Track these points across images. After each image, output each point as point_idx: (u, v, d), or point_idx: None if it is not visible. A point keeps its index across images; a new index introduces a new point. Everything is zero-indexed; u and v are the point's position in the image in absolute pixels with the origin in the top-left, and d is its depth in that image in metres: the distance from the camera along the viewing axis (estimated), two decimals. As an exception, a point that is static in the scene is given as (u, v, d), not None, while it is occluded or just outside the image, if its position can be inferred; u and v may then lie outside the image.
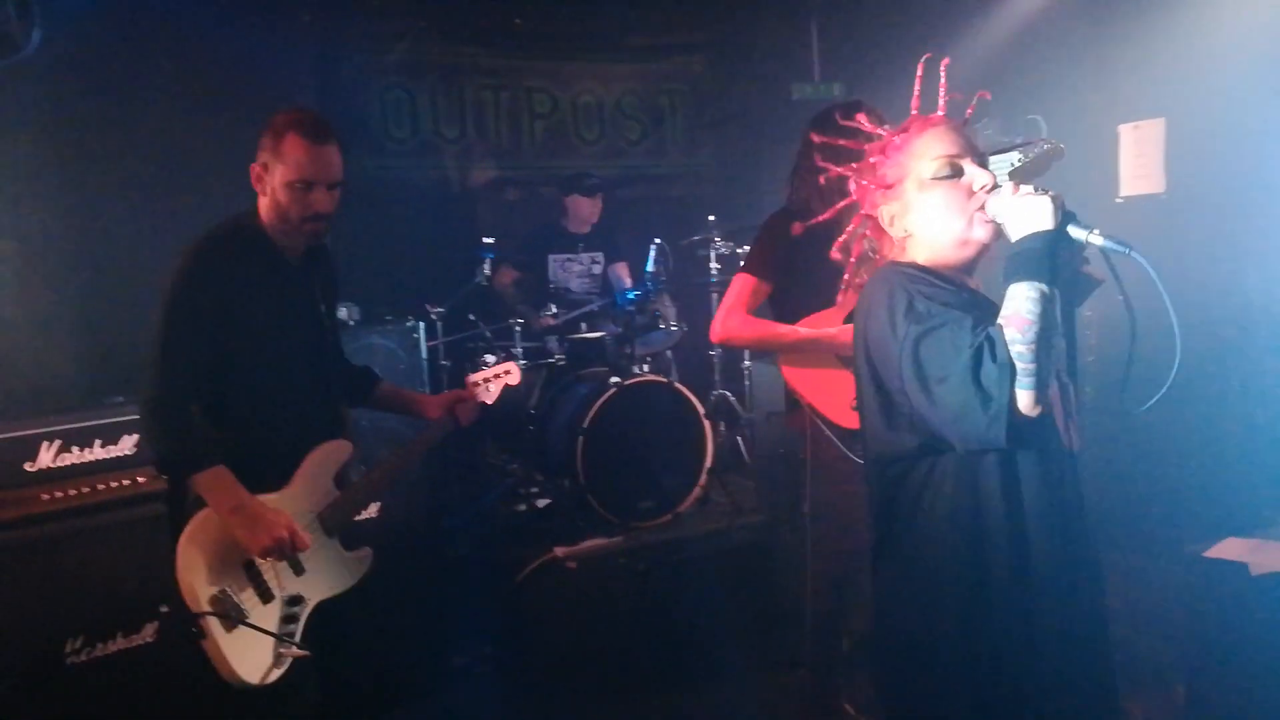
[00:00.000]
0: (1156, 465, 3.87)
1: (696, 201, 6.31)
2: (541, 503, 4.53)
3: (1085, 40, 4.61)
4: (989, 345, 1.42)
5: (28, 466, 2.78)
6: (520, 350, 4.62)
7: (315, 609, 2.32)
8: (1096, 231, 1.47)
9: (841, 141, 1.78)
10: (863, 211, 1.72)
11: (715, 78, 6.58)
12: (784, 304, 2.80)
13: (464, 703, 3.34)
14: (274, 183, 2.23)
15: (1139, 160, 4.58)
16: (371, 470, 2.49)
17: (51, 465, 2.81)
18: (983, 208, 1.56)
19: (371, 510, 3.31)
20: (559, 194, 5.26)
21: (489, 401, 2.73)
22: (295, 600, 2.28)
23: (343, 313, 3.94)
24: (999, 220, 1.54)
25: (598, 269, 5.25)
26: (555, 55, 6.13)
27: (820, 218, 1.80)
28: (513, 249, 5.09)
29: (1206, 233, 4.09)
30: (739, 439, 4.93)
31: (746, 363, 4.83)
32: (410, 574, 3.45)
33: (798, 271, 2.67)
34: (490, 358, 2.80)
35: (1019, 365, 1.40)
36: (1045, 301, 1.41)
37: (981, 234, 1.59)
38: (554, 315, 4.74)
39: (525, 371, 4.64)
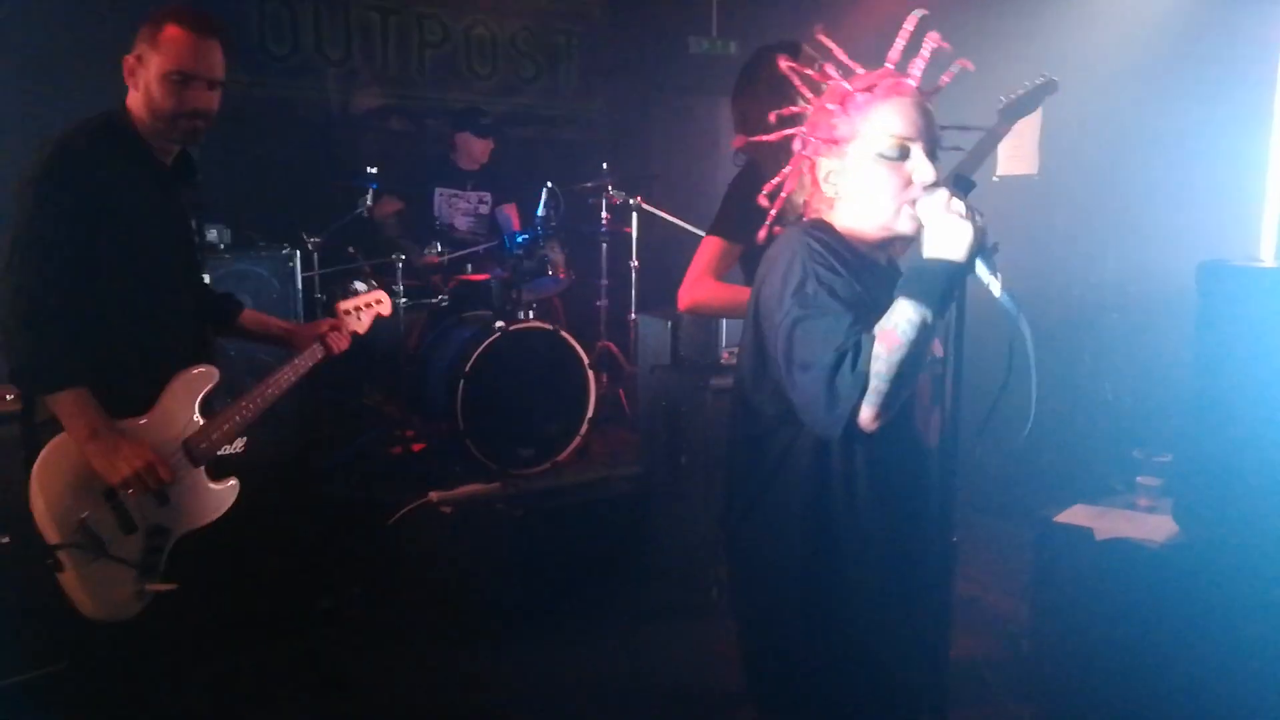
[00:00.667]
0: (1014, 432, 4.08)
1: (589, 148, 6.20)
2: (418, 446, 4.43)
3: (969, 24, 4.72)
4: (853, 351, 1.43)
5: None
6: (401, 288, 4.46)
7: (178, 541, 2.20)
8: (998, 281, 1.45)
9: (810, 71, 1.66)
10: (802, 153, 1.65)
11: (613, 23, 6.46)
12: (754, 265, 2.68)
13: (329, 645, 3.25)
14: (148, 75, 2.07)
15: (1015, 142, 4.76)
16: (240, 398, 2.34)
17: (-126, 384, 2.55)
18: (914, 203, 1.54)
19: (238, 445, 3.14)
20: (449, 129, 5.08)
21: (360, 331, 2.62)
22: (158, 531, 2.15)
23: (213, 235, 3.72)
24: (923, 222, 1.52)
25: (485, 209, 5.12)
26: (449, -18, 5.89)
27: (763, 138, 1.71)
28: (397, 180, 4.88)
29: (1072, 215, 4.32)
30: (621, 391, 4.93)
31: (633, 315, 4.82)
32: (278, 512, 3.32)
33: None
34: (360, 285, 2.68)
35: (873, 382, 1.41)
36: (923, 329, 1.42)
37: (905, 227, 1.57)
38: (439, 254, 4.60)
39: (406, 311, 4.53)
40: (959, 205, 1.48)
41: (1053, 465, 3.98)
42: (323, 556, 3.55)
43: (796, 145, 1.66)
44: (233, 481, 2.34)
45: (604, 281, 5.02)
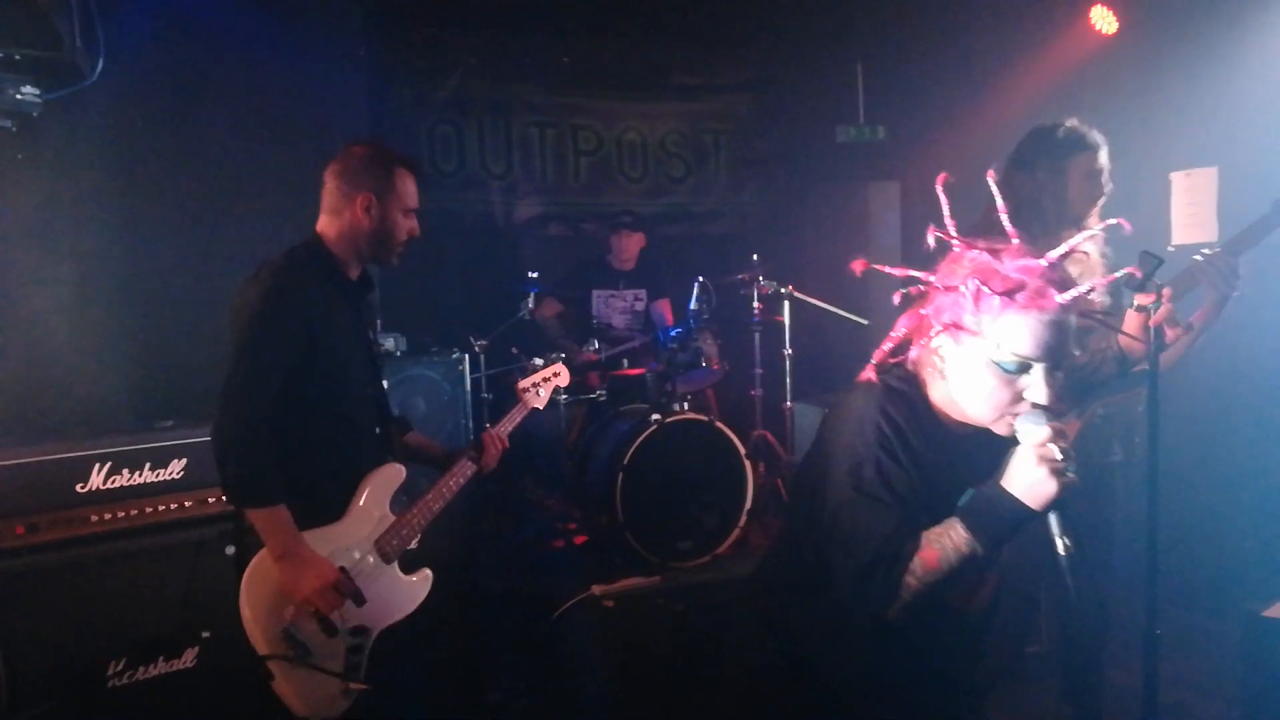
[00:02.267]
0: (1213, 523, 3.78)
1: (739, 240, 6.32)
2: (579, 539, 4.51)
3: (1135, 87, 4.58)
4: (891, 560, 1.46)
5: (79, 487, 2.80)
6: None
7: (377, 639, 2.32)
8: (1065, 544, 1.39)
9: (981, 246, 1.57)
10: (926, 314, 1.59)
11: (759, 118, 6.62)
12: None
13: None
14: (386, 211, 2.33)
15: (1191, 209, 4.52)
16: (426, 494, 2.48)
17: (102, 487, 2.84)
18: (1016, 417, 1.49)
19: (412, 542, 3.30)
20: (604, 232, 5.31)
21: (540, 405, 2.76)
22: (359, 631, 2.27)
23: (390, 343, 3.98)
24: (1019, 437, 1.47)
25: (640, 305, 5.26)
26: (601, 93, 6.21)
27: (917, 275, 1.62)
28: (557, 283, 5.12)
29: (1258, 282, 4.01)
30: (779, 481, 4.88)
31: (788, 403, 4.79)
32: (447, 607, 3.43)
33: None
34: (539, 360, 2.81)
35: (901, 592, 1.45)
36: (968, 561, 1.43)
37: (1000, 429, 1.53)
38: (596, 350, 4.75)
39: (566, 407, 4.68)
40: (1055, 453, 1.41)
41: (1255, 555, 3.63)
42: (490, 650, 3.63)
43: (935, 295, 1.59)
44: (425, 572, 2.45)
45: (759, 371, 5.02)
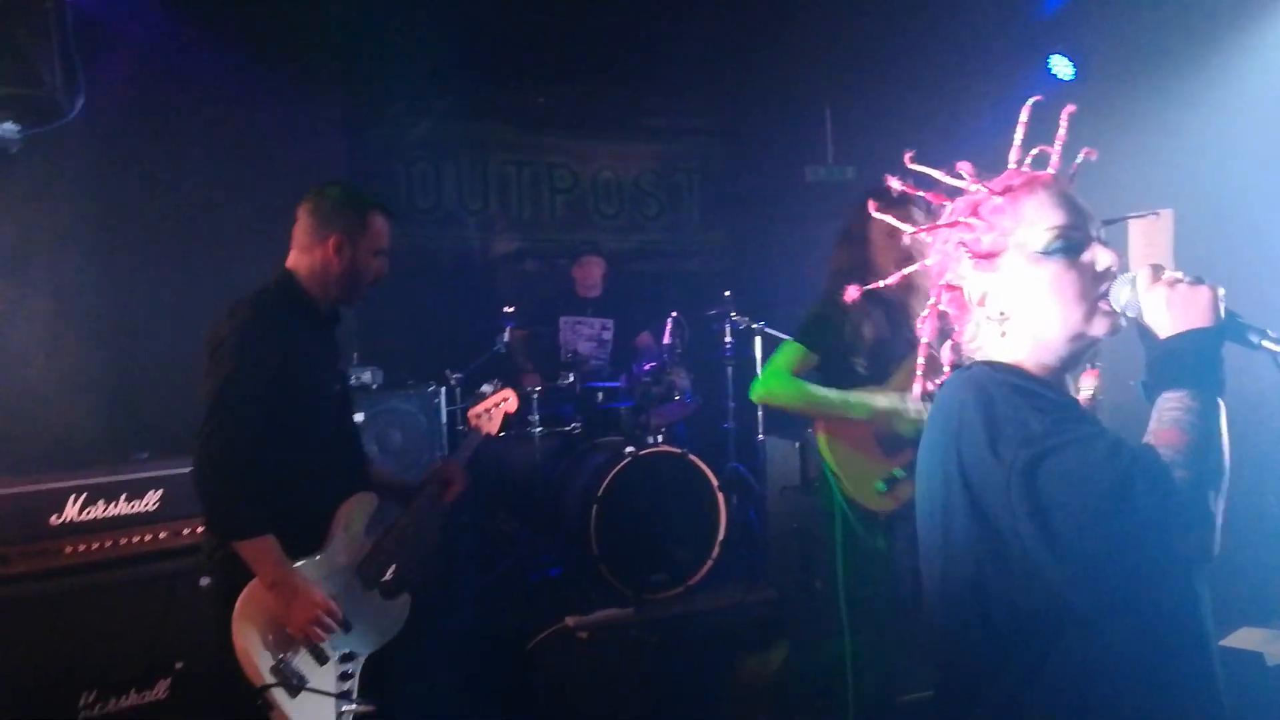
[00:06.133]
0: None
1: (711, 276, 6.42)
2: (554, 571, 4.53)
3: (1092, 131, 4.71)
4: (1141, 468, 1.10)
5: (53, 519, 2.81)
6: (537, 418, 4.66)
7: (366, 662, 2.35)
8: (1270, 336, 1.18)
9: (923, 193, 1.46)
10: (943, 282, 1.37)
11: (731, 158, 6.76)
12: (830, 376, 2.76)
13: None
14: (358, 251, 2.36)
15: (1147, 251, 4.66)
16: (400, 518, 2.51)
17: (76, 519, 2.85)
18: (1104, 298, 1.27)
19: (389, 569, 3.31)
20: (567, 264, 5.46)
21: (492, 432, 2.78)
22: (348, 658, 2.31)
23: (366, 376, 4.01)
24: (1128, 313, 1.25)
25: (607, 335, 5.33)
26: (577, 134, 6.33)
27: (884, 283, 1.48)
28: (530, 318, 5.20)
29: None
30: (752, 512, 4.93)
31: (761, 436, 4.86)
32: (421, 640, 3.44)
33: (845, 345, 2.70)
34: (487, 387, 2.83)
35: (1179, 500, 1.09)
36: (1205, 416, 1.13)
37: (1100, 329, 1.28)
38: (570, 382, 4.81)
39: (541, 439, 4.71)
40: (1176, 274, 1.21)
41: (1214, 584, 3.71)
42: (464, 682, 3.62)
43: (930, 251, 1.42)
44: (405, 596, 2.49)
45: (731, 404, 5.10)
